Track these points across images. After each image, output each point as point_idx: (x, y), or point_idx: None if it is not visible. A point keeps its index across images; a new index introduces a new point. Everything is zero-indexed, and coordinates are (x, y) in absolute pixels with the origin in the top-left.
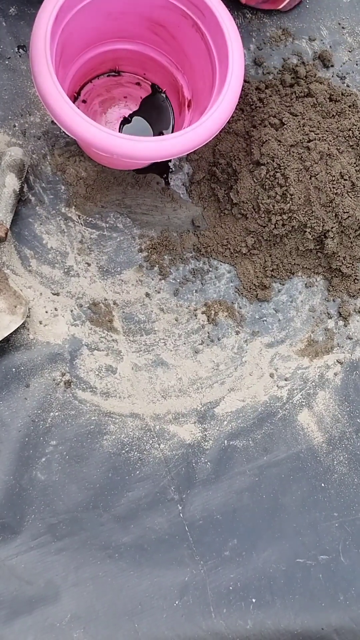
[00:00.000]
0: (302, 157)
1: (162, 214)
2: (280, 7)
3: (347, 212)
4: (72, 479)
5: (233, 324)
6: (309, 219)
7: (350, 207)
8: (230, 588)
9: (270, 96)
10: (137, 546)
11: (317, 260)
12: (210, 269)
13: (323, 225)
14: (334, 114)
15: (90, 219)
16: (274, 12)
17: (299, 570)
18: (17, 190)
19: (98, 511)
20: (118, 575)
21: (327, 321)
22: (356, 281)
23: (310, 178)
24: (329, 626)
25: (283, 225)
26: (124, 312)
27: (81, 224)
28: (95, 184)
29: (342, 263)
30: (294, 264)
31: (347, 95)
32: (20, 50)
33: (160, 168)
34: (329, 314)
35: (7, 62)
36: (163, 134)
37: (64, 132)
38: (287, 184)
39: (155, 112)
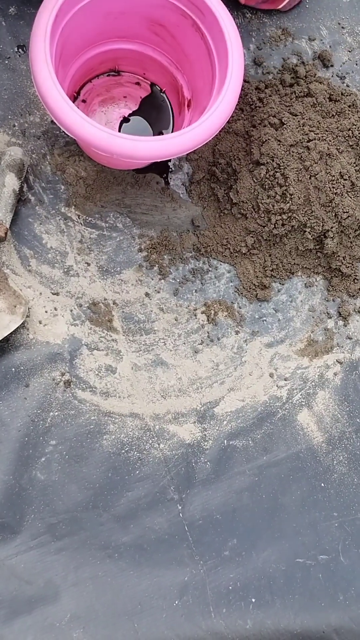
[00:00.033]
0: (301, 156)
1: (161, 213)
2: (279, 7)
3: (346, 212)
4: (71, 478)
5: (233, 324)
6: (309, 218)
7: (350, 207)
8: (230, 588)
9: (270, 96)
10: (137, 546)
11: (316, 260)
12: (210, 269)
13: (323, 225)
14: (334, 113)
15: (90, 218)
16: (273, 11)
17: (299, 570)
18: (17, 189)
19: (98, 511)
20: (118, 575)
21: (326, 321)
22: (356, 281)
23: (310, 178)
24: (329, 626)
25: (283, 225)
26: (123, 311)
27: (81, 223)
28: (95, 184)
29: (342, 263)
30: (294, 263)
31: (346, 95)
32: (20, 49)
33: (160, 168)
34: (328, 313)
35: (6, 62)
36: (163, 134)
37: (63, 131)
38: (287, 184)
39: (155, 112)
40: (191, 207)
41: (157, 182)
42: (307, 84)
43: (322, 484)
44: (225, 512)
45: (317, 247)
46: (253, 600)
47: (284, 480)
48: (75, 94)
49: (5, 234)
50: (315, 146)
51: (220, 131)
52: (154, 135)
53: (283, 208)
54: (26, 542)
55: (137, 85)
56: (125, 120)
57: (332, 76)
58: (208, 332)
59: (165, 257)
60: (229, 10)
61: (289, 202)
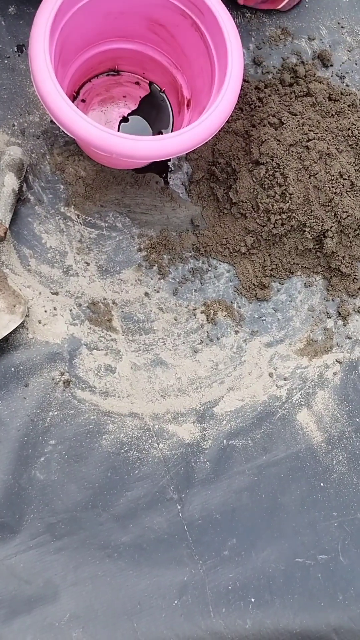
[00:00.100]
0: (301, 156)
1: (161, 213)
2: (279, 7)
3: (346, 212)
4: (71, 478)
5: (232, 324)
6: (308, 218)
7: (350, 207)
8: (229, 587)
9: (269, 95)
10: (136, 546)
11: (316, 260)
12: (210, 269)
13: (322, 224)
14: (333, 113)
15: (89, 218)
16: (273, 11)
17: (298, 569)
18: (16, 189)
19: (97, 511)
20: (117, 574)
21: (326, 321)
22: (355, 280)
23: (309, 177)
24: (328, 626)
25: (282, 224)
26: (123, 311)
27: (80, 223)
28: (94, 184)
29: (342, 262)
30: (293, 263)
31: (346, 95)
32: (20, 49)
33: (160, 167)
34: (328, 313)
35: (6, 62)
36: (162, 134)
37: (63, 131)
38: (286, 184)
39: (155, 112)
40: (190, 207)
41: (157, 182)
42: (306, 83)
43: (322, 484)
44: (225, 512)
45: (317, 246)
46: (252, 600)
47: (283, 480)
48: (75, 94)
49: (5, 233)
50: (315, 146)
51: (219, 131)
52: (153, 134)
53: (282, 208)
54: (25, 542)
55: (137, 85)
56: (125, 119)
57: (332, 76)
58: (207, 332)
59: (165, 256)
60: (229, 10)
61: (288, 202)
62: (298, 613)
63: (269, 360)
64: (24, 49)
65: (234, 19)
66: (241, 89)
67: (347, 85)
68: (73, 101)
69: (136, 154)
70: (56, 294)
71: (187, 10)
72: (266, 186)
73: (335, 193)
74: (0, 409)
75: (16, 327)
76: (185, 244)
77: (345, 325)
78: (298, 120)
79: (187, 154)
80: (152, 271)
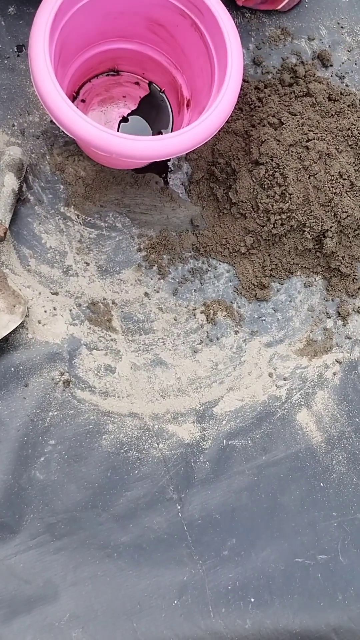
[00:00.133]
0: (301, 156)
1: (161, 213)
2: (278, 7)
3: (346, 212)
4: (70, 478)
5: (232, 324)
6: (308, 218)
7: (349, 207)
8: (229, 587)
9: (269, 96)
10: (136, 546)
11: (316, 260)
12: (209, 269)
13: (322, 224)
14: (333, 113)
15: (89, 218)
16: (273, 11)
17: (298, 569)
18: (16, 189)
19: (97, 510)
20: (117, 574)
21: (326, 321)
22: (355, 281)
23: (309, 177)
24: (328, 625)
25: (282, 224)
26: (122, 311)
27: (80, 223)
28: (94, 184)
29: (341, 262)
30: (293, 263)
31: (346, 95)
32: (19, 49)
33: (159, 167)
34: (327, 313)
35: (5, 62)
36: (162, 134)
37: (62, 131)
38: (286, 184)
39: (154, 112)
40: (190, 207)
41: (157, 182)
42: (306, 83)
43: (321, 484)
44: (225, 512)
45: (316, 246)
46: (252, 600)
47: (283, 480)
48: (75, 94)
49: (5, 233)
50: (315, 146)
51: (219, 131)
52: (153, 134)
53: (282, 208)
54: (25, 542)
55: (137, 85)
56: (125, 120)
57: (332, 76)
58: (207, 332)
59: (165, 256)
60: (228, 10)
61: (288, 202)
62: (298, 613)
63: (268, 360)
64: (23, 49)
65: (233, 19)
66: (241, 89)
67: (346, 86)
68: (73, 101)
69: (136, 154)
70: (56, 294)
71: (187, 11)
72: (266, 186)
73: (335, 193)
74: (0, 409)
75: (16, 327)
76: (185, 244)
77: (344, 326)
78: (298, 121)
79: (186, 154)
80: (152, 271)
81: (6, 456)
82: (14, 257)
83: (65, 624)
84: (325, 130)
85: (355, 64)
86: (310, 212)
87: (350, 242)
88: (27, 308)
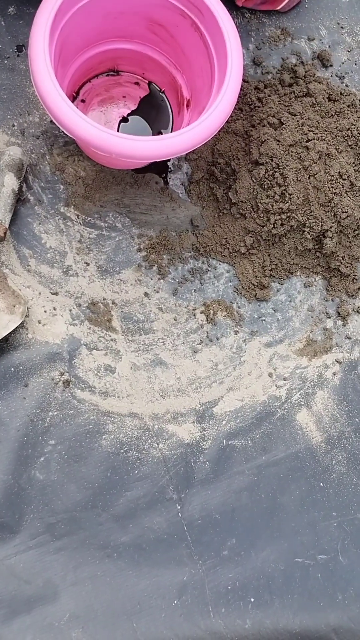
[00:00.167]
0: (300, 156)
1: (160, 213)
2: (278, 7)
3: (345, 212)
4: (70, 478)
5: (232, 324)
6: (308, 218)
7: (349, 207)
8: (229, 587)
9: (269, 96)
10: (136, 546)
11: (315, 260)
12: (209, 269)
13: (322, 224)
14: (333, 113)
15: (89, 218)
16: (272, 12)
17: (298, 569)
18: (16, 189)
19: (97, 511)
20: (117, 574)
21: (325, 321)
22: (355, 281)
23: (309, 178)
24: (328, 625)
25: (282, 224)
26: (122, 311)
27: (80, 223)
28: (94, 184)
29: (341, 263)
30: (293, 263)
31: (345, 95)
32: (19, 49)
33: (159, 168)
34: (327, 313)
35: (5, 62)
36: (162, 134)
37: (62, 131)
38: (286, 184)
39: (154, 112)
40: (190, 207)
41: (156, 182)
42: (306, 83)
43: (321, 484)
44: (224, 512)
45: (316, 246)
46: (252, 600)
47: (283, 480)
48: (75, 94)
49: (5, 233)
50: (315, 146)
51: (219, 131)
52: (153, 135)
53: (282, 208)
54: (25, 542)
55: (136, 85)
56: (124, 120)
57: (331, 76)
58: (207, 332)
59: (165, 257)
60: (228, 10)
61: (288, 202)
62: (297, 613)
63: (268, 360)
64: (23, 49)
65: (233, 20)
66: (241, 89)
67: (346, 86)
68: (73, 101)
69: (135, 154)
70: (56, 294)
71: (187, 11)
72: (266, 186)
73: (334, 193)
74: (0, 409)
75: (16, 327)
76: (184, 244)
77: (344, 326)
78: (298, 121)
79: (186, 154)
80: (152, 271)
81: (6, 456)
82: (14, 257)
83: (65, 624)
84: (325, 131)
85: (355, 64)
86: (310, 212)
87: (350, 242)
88: (27, 308)
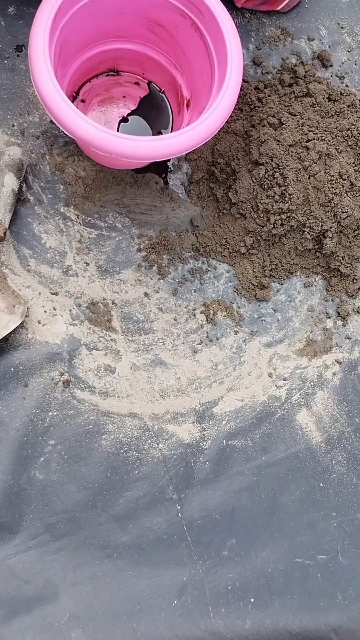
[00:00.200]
0: (300, 156)
1: (160, 213)
2: (278, 8)
3: (345, 212)
4: (70, 478)
5: (232, 324)
6: (308, 218)
7: (349, 207)
8: (229, 588)
9: (269, 96)
10: (136, 546)
11: (315, 260)
12: (209, 269)
13: (322, 225)
14: (333, 113)
15: (89, 218)
16: (272, 12)
17: (298, 570)
18: (16, 189)
19: (96, 511)
20: (116, 574)
21: (325, 321)
22: (355, 281)
23: (309, 178)
24: (328, 626)
25: (282, 225)
26: (122, 311)
27: (80, 223)
28: (94, 184)
29: (341, 263)
30: (293, 263)
31: (345, 95)
32: (19, 49)
33: (159, 168)
34: (327, 313)
35: (5, 62)
36: (162, 134)
37: (62, 131)
38: (286, 184)
39: (154, 112)
40: (190, 207)
41: (156, 182)
42: (306, 84)
43: (321, 484)
44: (224, 512)
45: (316, 247)
46: (252, 600)
47: (282, 480)
48: (74, 94)
49: (5, 233)
50: (314, 146)
51: (219, 131)
52: (153, 135)
53: (282, 208)
54: (25, 542)
55: (136, 85)
56: (124, 120)
57: (331, 76)
58: (207, 332)
59: (164, 257)
60: (228, 10)
61: (288, 202)
62: (297, 613)
63: (268, 360)
64: (23, 49)
65: (233, 20)
66: (241, 89)
67: (346, 86)
68: (73, 101)
69: (135, 154)
70: (56, 294)
71: (187, 11)
72: (266, 186)
73: (334, 193)
74: (0, 409)
75: (16, 328)
76: (184, 244)
77: (344, 326)
78: (297, 121)
79: (186, 154)
80: (152, 271)
81: (6, 456)
82: (14, 257)
83: (65, 624)
84: (325, 131)
85: (355, 64)
86: (310, 212)
87: (350, 242)
88: (27, 308)
